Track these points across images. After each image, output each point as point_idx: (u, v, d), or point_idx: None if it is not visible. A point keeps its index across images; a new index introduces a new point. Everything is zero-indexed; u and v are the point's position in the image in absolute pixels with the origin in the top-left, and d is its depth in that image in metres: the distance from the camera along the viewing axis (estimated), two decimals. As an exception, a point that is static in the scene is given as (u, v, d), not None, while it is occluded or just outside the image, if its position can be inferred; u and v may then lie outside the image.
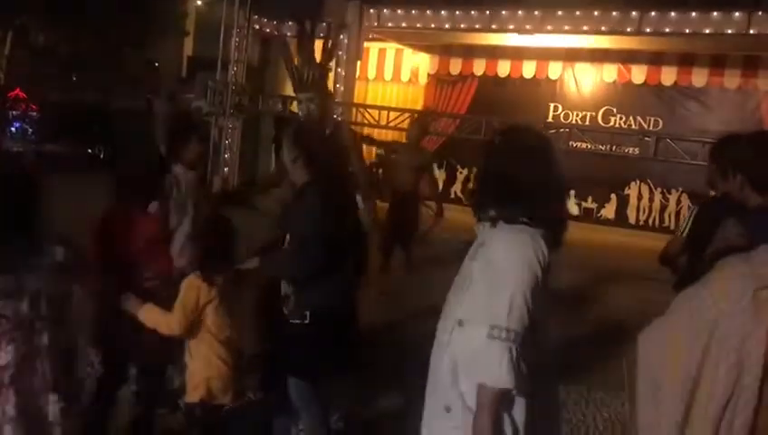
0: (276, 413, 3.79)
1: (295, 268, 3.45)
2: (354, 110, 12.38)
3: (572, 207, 13.59)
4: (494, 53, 13.75)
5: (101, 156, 16.54)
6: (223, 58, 13.00)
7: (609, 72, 13.40)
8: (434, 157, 9.32)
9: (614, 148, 11.78)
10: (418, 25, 12.21)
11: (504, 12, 11.48)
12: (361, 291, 3.98)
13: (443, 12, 11.89)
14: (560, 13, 11.14)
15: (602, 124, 13.25)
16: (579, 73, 13.68)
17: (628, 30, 10.86)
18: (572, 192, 13.53)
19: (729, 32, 10.26)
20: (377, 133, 11.59)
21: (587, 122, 13.40)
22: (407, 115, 11.59)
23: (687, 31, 10.52)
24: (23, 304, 2.28)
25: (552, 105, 13.83)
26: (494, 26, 11.64)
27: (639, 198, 13.22)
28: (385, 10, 12.31)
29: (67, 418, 2.40)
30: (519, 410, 2.20)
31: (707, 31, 10.38)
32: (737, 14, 10.14)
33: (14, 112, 18.90)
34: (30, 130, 18.84)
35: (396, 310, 3.71)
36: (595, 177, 12.98)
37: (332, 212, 3.44)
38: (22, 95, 19.29)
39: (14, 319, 2.28)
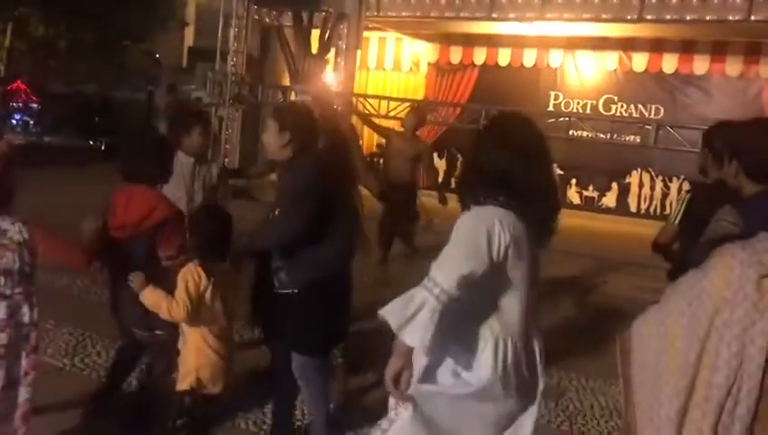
0: (276, 387, 3.81)
1: (276, 235, 3.48)
2: (354, 99, 12.35)
3: (574, 196, 13.60)
4: (494, 41, 13.70)
5: (102, 147, 16.54)
6: (222, 49, 12.97)
7: (610, 60, 13.35)
8: (431, 147, 9.29)
9: (615, 136, 11.74)
10: (418, 14, 12.16)
11: (504, 0, 11.43)
12: (359, 279, 3.97)
13: (443, 0, 11.83)
14: (560, 0, 11.09)
15: (603, 112, 13.21)
16: (579, 61, 13.63)
17: (629, 17, 10.80)
18: (573, 181, 13.54)
19: (730, 18, 10.20)
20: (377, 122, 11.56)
21: (588, 111, 13.36)
22: (407, 105, 11.57)
23: (688, 18, 10.46)
24: None
25: (552, 94, 13.79)
26: (494, 15, 11.58)
27: (641, 186, 13.21)
28: (384, -1, 12.28)
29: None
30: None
31: (708, 17, 10.32)
32: (738, 0, 10.08)
33: (14, 104, 18.91)
34: (31, 121, 18.85)
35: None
36: (596, 165, 12.98)
37: (320, 181, 3.45)
38: (22, 87, 19.30)
39: None
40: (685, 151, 10.10)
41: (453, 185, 13.19)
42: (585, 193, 13.55)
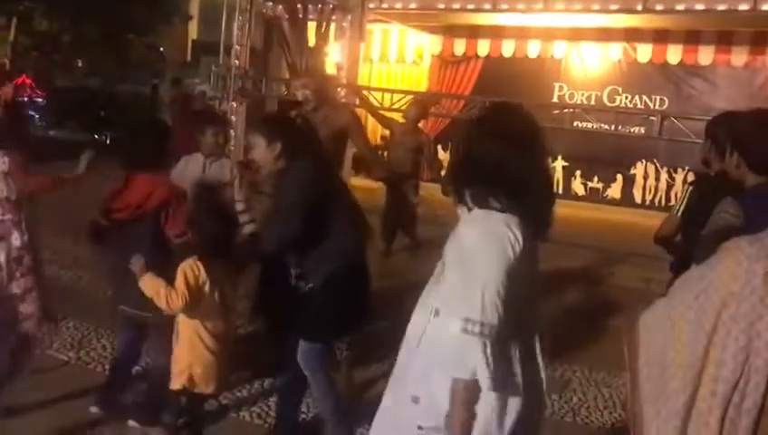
0: (285, 381, 3.83)
1: (275, 239, 3.52)
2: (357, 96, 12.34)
3: (578, 187, 13.57)
4: (498, 32, 13.65)
5: (107, 141, 16.57)
6: (226, 42, 12.97)
7: (615, 51, 13.29)
8: (433, 139, 9.28)
9: (620, 127, 11.71)
10: (422, 6, 12.13)
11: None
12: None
13: (446, -8, 11.81)
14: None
15: (608, 104, 13.15)
16: (584, 52, 13.58)
17: (634, 8, 10.76)
18: (578, 172, 13.52)
19: (736, 8, 10.15)
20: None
21: (592, 102, 13.31)
22: (410, 97, 11.56)
23: (693, 8, 10.41)
24: None
25: (557, 85, 13.75)
26: (498, 6, 11.55)
27: (645, 177, 13.17)
28: (388, -9, 12.25)
29: None
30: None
31: (713, 7, 10.27)
32: (743, -10, 10.03)
33: (20, 99, 18.94)
34: (36, 116, 18.89)
35: (394, 292, 3.72)
36: (601, 157, 12.94)
37: (318, 179, 3.48)
38: (28, 82, 19.33)
39: None
40: (689, 142, 10.05)
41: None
42: (590, 184, 13.53)
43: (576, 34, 13.12)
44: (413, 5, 12.19)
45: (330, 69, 11.91)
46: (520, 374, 2.22)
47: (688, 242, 3.29)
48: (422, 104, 8.19)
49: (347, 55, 11.88)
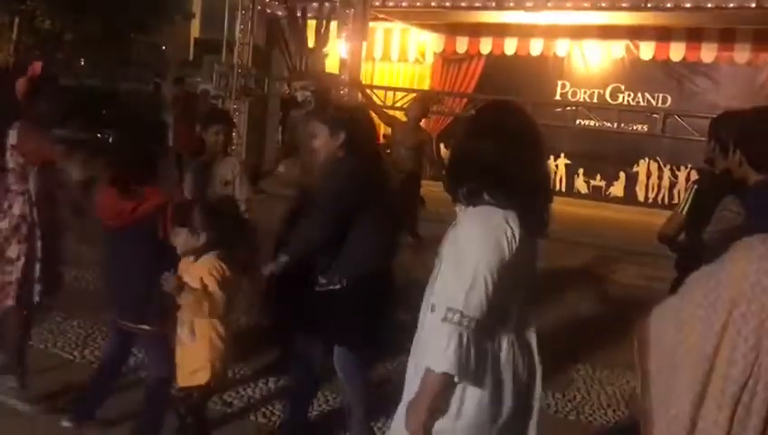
0: (296, 381, 3.83)
1: (304, 243, 3.50)
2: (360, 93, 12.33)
3: (581, 185, 13.57)
4: (500, 31, 13.64)
5: (110, 140, 16.56)
6: (228, 40, 12.97)
7: (617, 49, 13.28)
8: (434, 137, 9.28)
9: (622, 125, 11.71)
10: (424, 4, 12.13)
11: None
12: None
13: (448, -10, 11.79)
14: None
15: (610, 101, 13.15)
16: (586, 50, 13.57)
17: (637, 5, 10.75)
18: (581, 170, 13.51)
19: (739, 5, 10.13)
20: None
21: (595, 100, 13.31)
22: (413, 95, 11.56)
23: (696, 5, 10.39)
24: None
25: (559, 83, 13.74)
26: (501, 4, 11.53)
27: (648, 175, 13.16)
28: (390, -11, 12.24)
29: None
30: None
31: (716, 5, 10.26)
32: (746, -13, 10.02)
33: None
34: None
35: (397, 290, 3.71)
36: (603, 154, 12.94)
37: (362, 180, 3.44)
38: (30, 80, 19.30)
39: None
40: (692, 140, 10.06)
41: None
42: (593, 182, 13.52)
43: (579, 32, 13.11)
44: (415, 3, 12.19)
45: (331, 68, 11.91)
46: (502, 370, 2.23)
47: (693, 240, 3.30)
48: (423, 102, 8.19)
49: (349, 54, 11.87)
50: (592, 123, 11.92)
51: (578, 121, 12.10)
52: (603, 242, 9.05)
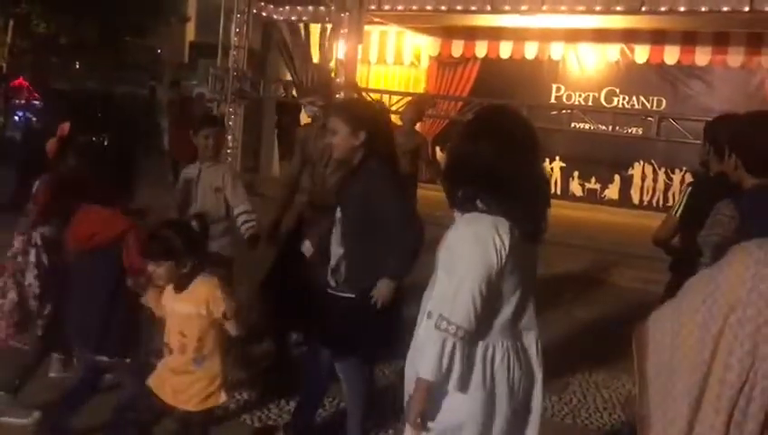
0: (306, 383, 3.82)
1: (410, 254, 3.35)
2: (356, 94, 12.33)
3: (576, 188, 13.59)
4: (495, 34, 13.65)
5: (105, 143, 16.53)
6: (224, 43, 12.96)
7: (612, 52, 13.31)
8: (430, 141, 9.27)
9: (617, 128, 11.71)
10: (419, 8, 12.13)
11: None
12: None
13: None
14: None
15: (605, 105, 13.16)
16: (581, 54, 13.60)
17: (631, 9, 10.76)
18: (576, 173, 13.53)
19: (732, 9, 10.16)
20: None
21: (590, 103, 13.32)
22: (409, 99, 11.57)
23: (691, 8, 10.41)
24: None
25: (554, 86, 13.75)
26: (494, 7, 11.53)
27: (643, 178, 13.18)
28: (385, -7, 12.23)
29: None
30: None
31: (710, 8, 10.28)
32: (740, -9, 10.03)
33: (17, 102, 18.90)
34: (33, 118, 18.86)
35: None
36: (598, 157, 12.95)
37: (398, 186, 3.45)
38: (25, 84, 19.30)
39: None
40: (687, 143, 10.08)
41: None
42: (587, 185, 13.53)
43: (573, 36, 13.13)
44: (410, 7, 12.19)
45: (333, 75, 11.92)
46: (496, 376, 2.23)
47: (687, 243, 3.31)
48: (418, 106, 8.19)
49: (345, 57, 11.88)
50: (587, 126, 11.92)
51: (573, 125, 12.11)
52: (598, 245, 9.06)
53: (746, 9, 9.85)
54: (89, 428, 3.66)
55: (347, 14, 11.61)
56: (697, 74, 12.76)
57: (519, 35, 13.41)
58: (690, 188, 3.58)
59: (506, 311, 2.25)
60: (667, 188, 12.92)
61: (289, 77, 13.42)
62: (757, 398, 1.81)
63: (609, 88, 13.32)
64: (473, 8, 11.50)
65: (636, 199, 13.22)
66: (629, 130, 11.71)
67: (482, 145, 2.22)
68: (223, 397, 3.13)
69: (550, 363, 2.41)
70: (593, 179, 13.48)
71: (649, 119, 11.12)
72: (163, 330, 3.17)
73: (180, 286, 3.08)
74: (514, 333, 2.29)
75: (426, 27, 14.28)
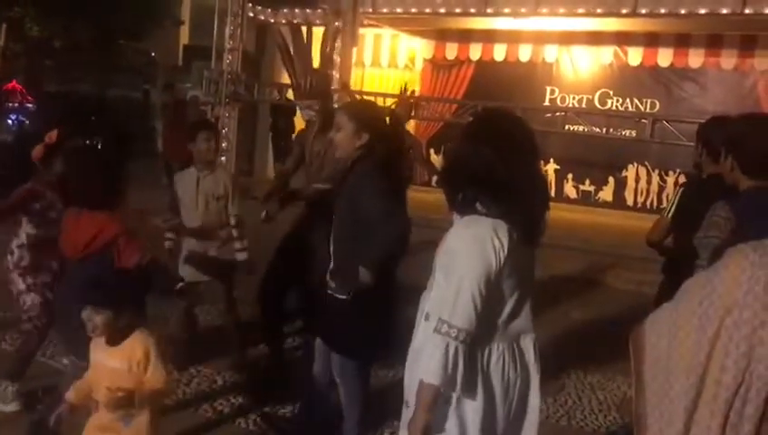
0: (308, 385, 3.82)
1: (385, 246, 3.36)
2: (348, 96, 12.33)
3: (570, 190, 13.62)
4: (489, 37, 13.68)
5: (99, 147, 16.49)
6: (218, 46, 12.95)
7: (606, 55, 13.34)
8: (425, 142, 9.26)
9: (611, 130, 11.74)
10: (413, 10, 12.16)
11: (499, -5, 11.41)
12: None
13: (438, -4, 11.82)
14: (555, -5, 11.08)
15: (599, 107, 13.20)
16: (575, 56, 13.63)
17: (624, 11, 10.80)
18: (570, 175, 13.56)
19: (724, 11, 10.21)
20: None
21: (584, 105, 13.36)
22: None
23: (684, 11, 10.46)
24: None
25: (548, 88, 13.78)
26: (488, 10, 11.57)
27: (637, 180, 13.22)
28: (379, -5, 12.25)
29: None
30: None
31: (703, 11, 10.33)
32: (733, -7, 10.08)
33: (10, 105, 18.86)
34: (27, 122, 18.81)
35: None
36: (592, 160, 12.99)
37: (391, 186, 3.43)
38: (18, 88, 19.25)
39: None
40: (681, 145, 10.11)
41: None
42: (582, 187, 13.57)
43: (567, 38, 13.17)
44: (405, 10, 12.21)
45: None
46: (492, 379, 2.23)
47: (679, 244, 3.32)
48: (406, 105, 8.16)
49: (339, 60, 11.88)
50: (581, 129, 11.94)
51: (567, 127, 12.13)
52: (593, 247, 9.08)
53: (735, 11, 9.91)
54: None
55: (341, 16, 11.62)
56: (691, 76, 12.81)
57: (513, 38, 13.44)
58: (682, 190, 3.60)
59: (503, 313, 2.25)
60: (661, 189, 12.96)
61: (284, 80, 13.39)
62: (753, 399, 1.81)
63: (603, 90, 13.36)
64: (472, 10, 11.53)
65: (630, 201, 13.25)
66: (623, 133, 11.76)
67: (481, 147, 2.21)
68: None
69: (545, 365, 2.41)
70: (587, 181, 13.52)
71: (643, 121, 11.15)
72: None
73: (113, 340, 2.85)
74: (510, 336, 2.29)
75: (420, 30, 14.31)
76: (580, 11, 11.06)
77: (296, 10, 12.82)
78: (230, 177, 4.84)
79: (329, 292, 3.48)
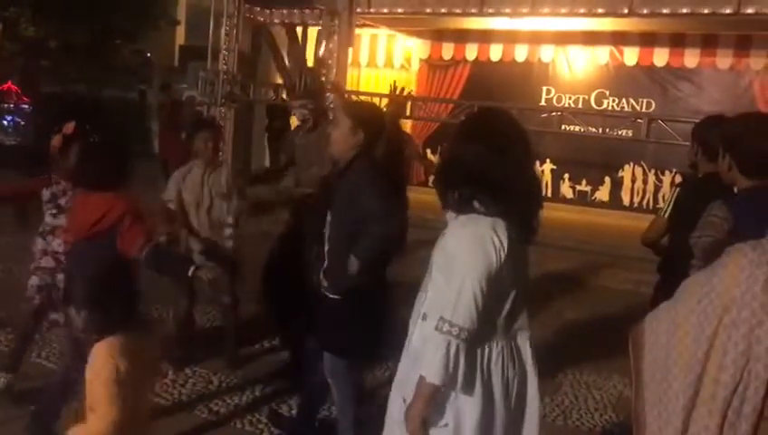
0: (304, 385, 3.83)
1: (376, 245, 3.37)
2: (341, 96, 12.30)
3: (567, 190, 13.62)
4: (486, 37, 13.68)
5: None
6: (213, 47, 12.93)
7: (602, 55, 13.36)
8: (421, 143, 9.25)
9: (607, 130, 11.75)
10: (409, 10, 12.15)
11: (495, -5, 11.41)
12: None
13: (434, -4, 11.81)
14: (551, -5, 11.08)
15: (595, 107, 13.21)
16: (571, 56, 13.64)
17: (621, 12, 10.80)
18: (566, 175, 13.57)
19: (720, 11, 10.22)
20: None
21: (580, 105, 13.37)
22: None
23: (679, 11, 10.47)
24: None
25: (544, 88, 13.79)
26: (486, 10, 11.57)
27: (633, 179, 13.23)
28: (375, -5, 12.24)
29: None
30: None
31: (699, 11, 10.34)
32: (728, -7, 10.09)
33: (6, 106, 18.81)
34: (22, 123, 18.77)
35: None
36: (589, 159, 12.99)
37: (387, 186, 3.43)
38: (14, 88, 19.20)
39: None
40: (677, 145, 10.12)
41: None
42: (578, 187, 13.57)
43: (563, 38, 13.17)
44: (401, 10, 12.20)
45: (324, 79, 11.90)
46: (492, 378, 2.23)
47: (675, 244, 3.32)
48: (397, 103, 8.13)
49: (335, 60, 11.88)
50: (577, 128, 11.93)
51: (563, 127, 12.12)
52: (589, 246, 9.08)
53: (730, 11, 9.93)
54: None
55: (337, 17, 11.61)
56: (686, 76, 12.82)
57: (509, 38, 13.44)
58: (678, 190, 3.60)
59: (502, 311, 2.25)
60: (658, 189, 12.97)
61: (280, 80, 13.40)
62: (751, 398, 1.81)
63: (599, 90, 13.37)
64: (473, 10, 11.52)
65: (626, 201, 13.26)
66: (619, 132, 11.75)
67: (477, 145, 2.22)
68: None
69: (541, 364, 2.41)
70: (584, 181, 13.52)
71: (639, 121, 11.15)
72: None
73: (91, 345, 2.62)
74: (509, 334, 2.29)
75: (416, 30, 14.30)
76: (577, 11, 11.07)
77: (293, 10, 12.80)
78: (230, 172, 4.87)
79: (322, 291, 3.49)
